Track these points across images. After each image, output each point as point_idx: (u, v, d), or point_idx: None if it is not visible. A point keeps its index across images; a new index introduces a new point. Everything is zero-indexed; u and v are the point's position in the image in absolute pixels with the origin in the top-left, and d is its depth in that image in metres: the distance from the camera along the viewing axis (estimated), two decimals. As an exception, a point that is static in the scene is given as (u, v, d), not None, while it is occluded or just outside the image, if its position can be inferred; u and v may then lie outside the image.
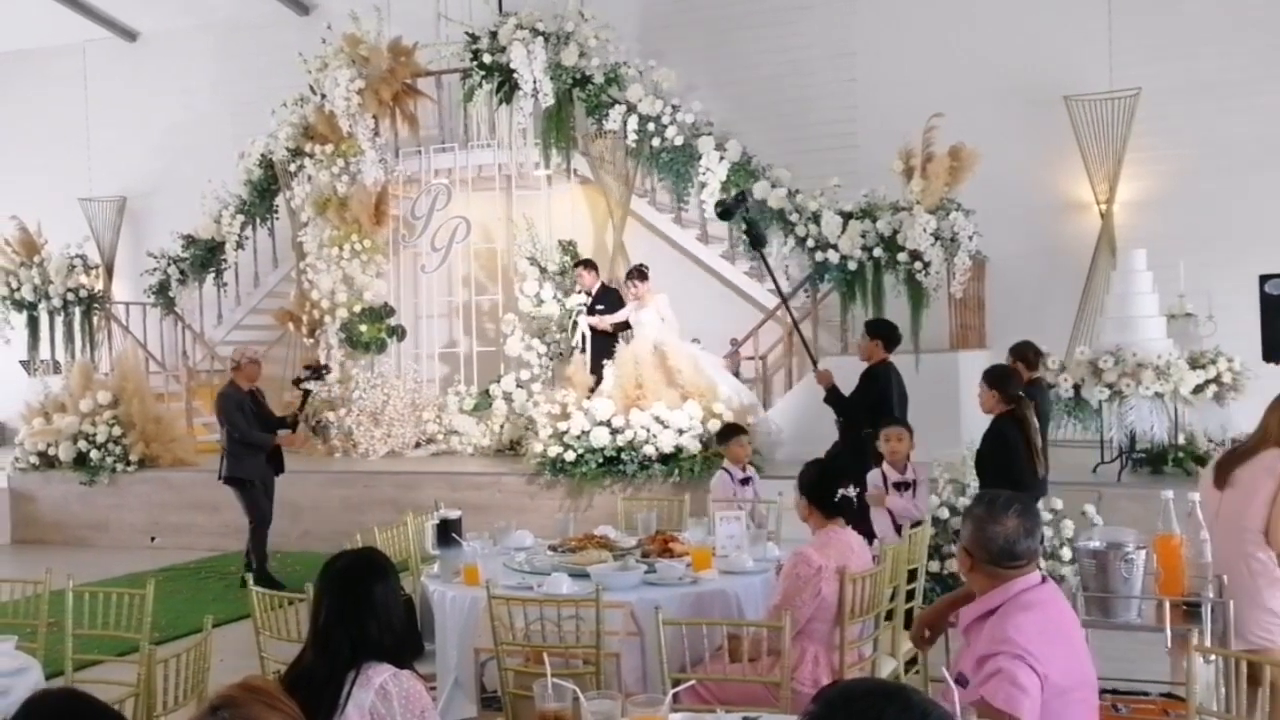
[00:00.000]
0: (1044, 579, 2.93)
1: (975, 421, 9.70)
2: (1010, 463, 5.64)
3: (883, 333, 7.15)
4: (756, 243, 7.32)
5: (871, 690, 1.72)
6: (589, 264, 11.05)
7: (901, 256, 9.61)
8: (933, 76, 11.22)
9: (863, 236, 9.79)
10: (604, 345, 10.54)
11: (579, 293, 11.09)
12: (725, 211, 7.77)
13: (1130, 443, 8.44)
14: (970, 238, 9.62)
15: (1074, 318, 10.70)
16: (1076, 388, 8.32)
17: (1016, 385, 5.89)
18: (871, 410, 6.77)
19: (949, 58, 11.39)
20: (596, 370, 10.29)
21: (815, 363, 7.55)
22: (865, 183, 10.24)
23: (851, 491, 4.32)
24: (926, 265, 9.52)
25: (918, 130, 9.62)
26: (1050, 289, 10.92)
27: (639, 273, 10.30)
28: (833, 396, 7.13)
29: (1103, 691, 4.50)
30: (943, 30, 11.55)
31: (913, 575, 5.11)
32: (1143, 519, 7.33)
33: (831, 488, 4.30)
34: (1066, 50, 11.05)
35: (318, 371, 9.63)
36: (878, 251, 9.72)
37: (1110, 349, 8.30)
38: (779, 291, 7.15)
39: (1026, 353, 7.31)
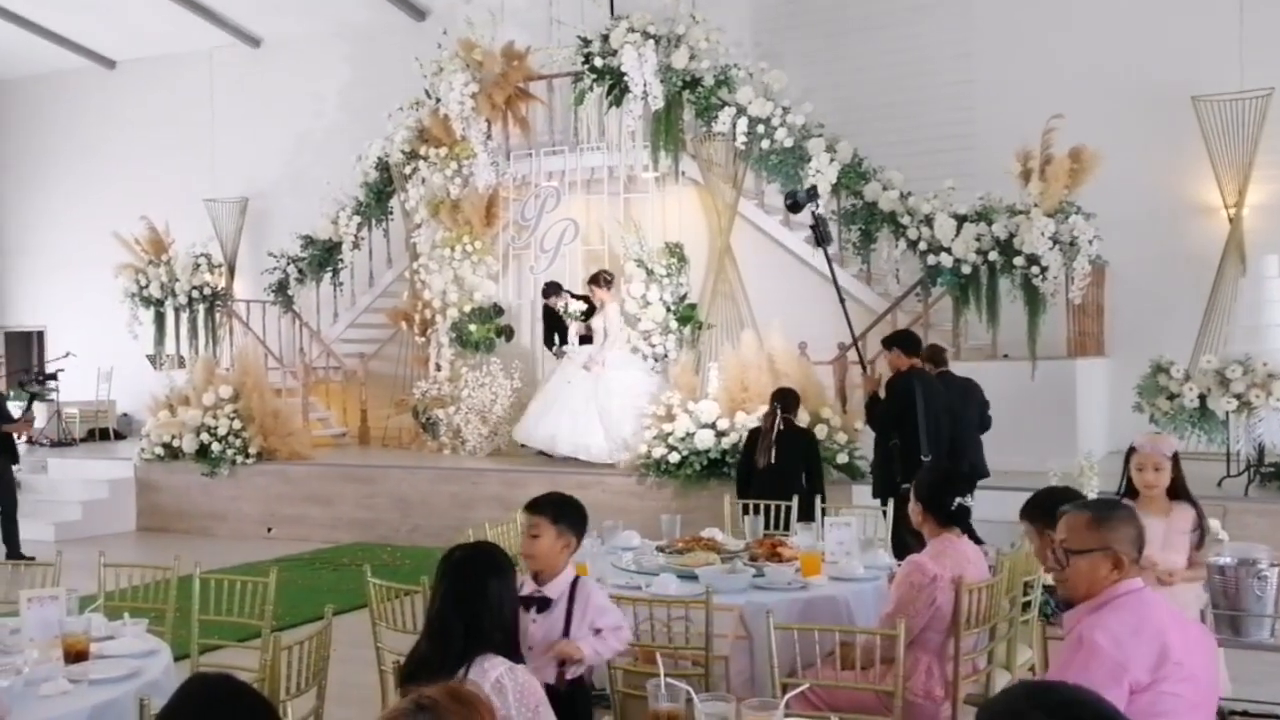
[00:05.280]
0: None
1: (1093, 429, 9.53)
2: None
3: (896, 341, 6.98)
4: (821, 240, 7.22)
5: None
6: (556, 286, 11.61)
7: (1018, 261, 9.39)
8: (1052, 77, 10.93)
9: (978, 240, 9.60)
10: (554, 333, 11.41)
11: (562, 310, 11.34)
12: (794, 205, 7.69)
13: (1259, 455, 8.11)
14: (1090, 242, 9.35)
15: (1199, 325, 10.31)
16: (1202, 398, 8.01)
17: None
18: (896, 423, 6.73)
19: (1070, 58, 11.07)
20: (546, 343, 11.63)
21: (865, 367, 7.50)
22: (981, 185, 10.03)
23: (969, 500, 4.23)
24: (1044, 270, 9.28)
25: (1036, 132, 9.39)
26: (1173, 295, 10.54)
27: (603, 280, 10.56)
28: (871, 402, 7.05)
29: (1231, 713, 4.33)
30: (1063, 29, 11.23)
31: (1028, 587, 4.96)
32: (1271, 535, 7.06)
33: (948, 495, 4.22)
34: (1195, 49, 10.64)
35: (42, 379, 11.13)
36: (993, 255, 9.52)
37: (1239, 358, 7.97)
38: (839, 293, 7.11)
39: (927, 350, 7.45)
